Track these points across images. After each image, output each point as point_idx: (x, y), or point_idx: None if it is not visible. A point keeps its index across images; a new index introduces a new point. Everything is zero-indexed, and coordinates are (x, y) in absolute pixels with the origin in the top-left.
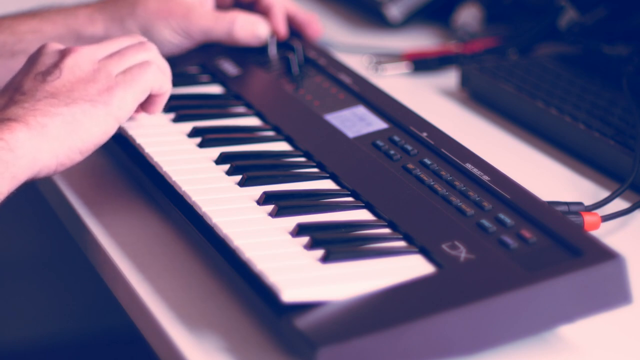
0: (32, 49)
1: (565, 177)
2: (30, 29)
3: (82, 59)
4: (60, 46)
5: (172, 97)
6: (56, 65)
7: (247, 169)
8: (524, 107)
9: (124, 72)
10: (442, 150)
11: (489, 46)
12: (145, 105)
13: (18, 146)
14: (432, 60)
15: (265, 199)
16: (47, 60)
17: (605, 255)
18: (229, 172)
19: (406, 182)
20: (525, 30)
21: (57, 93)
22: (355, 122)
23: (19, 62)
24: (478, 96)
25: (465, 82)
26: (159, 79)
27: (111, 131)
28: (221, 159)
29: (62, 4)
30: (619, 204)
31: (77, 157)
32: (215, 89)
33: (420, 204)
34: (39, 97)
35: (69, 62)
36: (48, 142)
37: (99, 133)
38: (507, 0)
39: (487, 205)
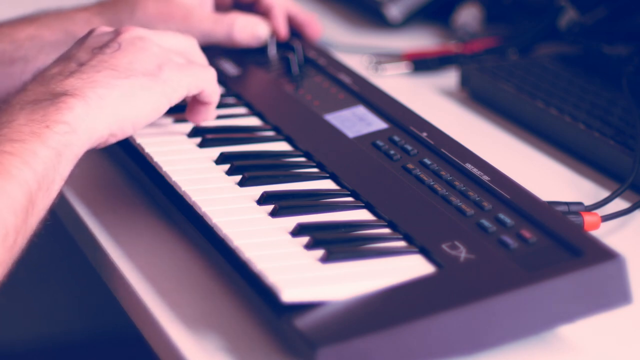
0: (31, 55)
1: (565, 177)
2: (28, 35)
3: (138, 34)
4: (109, 28)
5: None
6: (113, 40)
7: (247, 169)
8: (524, 107)
9: (182, 62)
10: (442, 150)
11: (489, 46)
12: (190, 114)
13: (78, 124)
14: (432, 60)
15: (265, 199)
16: (101, 38)
17: (605, 255)
18: (229, 172)
19: (406, 182)
20: (525, 30)
21: (118, 65)
22: (355, 122)
23: (18, 69)
24: (478, 96)
25: (465, 82)
26: (214, 86)
27: (162, 109)
28: (221, 159)
29: (60, 8)
30: (619, 204)
31: (129, 130)
32: None
33: (420, 204)
34: (98, 68)
35: (126, 36)
36: (104, 113)
37: (152, 108)
38: (507, 0)
39: (487, 205)
